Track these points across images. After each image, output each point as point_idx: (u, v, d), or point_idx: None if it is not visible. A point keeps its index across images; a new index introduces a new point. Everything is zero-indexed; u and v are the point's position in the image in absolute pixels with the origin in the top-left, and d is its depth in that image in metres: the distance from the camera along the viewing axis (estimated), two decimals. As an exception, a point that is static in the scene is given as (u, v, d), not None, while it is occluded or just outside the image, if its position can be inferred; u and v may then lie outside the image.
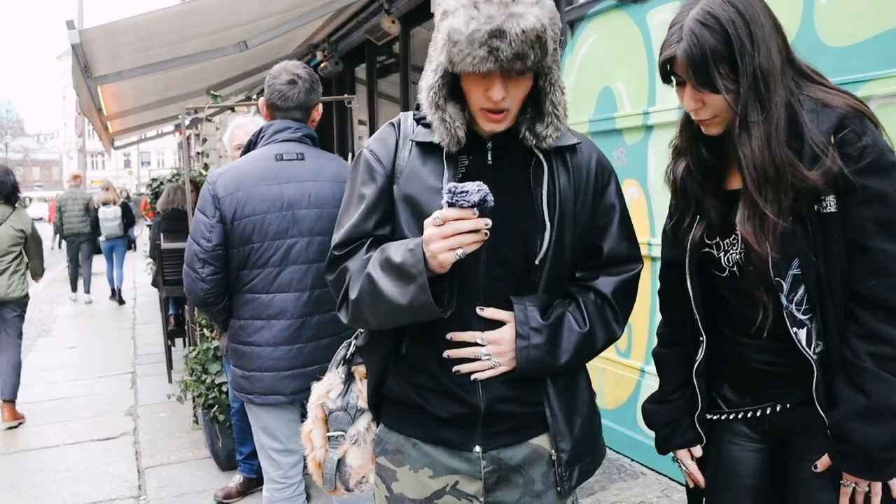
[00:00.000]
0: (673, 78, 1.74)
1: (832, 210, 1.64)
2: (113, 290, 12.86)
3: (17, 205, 6.24)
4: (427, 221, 1.59)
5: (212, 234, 2.79)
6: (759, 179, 1.65)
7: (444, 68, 1.62)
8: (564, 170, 1.78)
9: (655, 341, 2.12)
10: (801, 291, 1.68)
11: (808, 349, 1.69)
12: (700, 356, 1.90)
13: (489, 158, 1.75)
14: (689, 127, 1.85)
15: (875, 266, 1.62)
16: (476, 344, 1.71)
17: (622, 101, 4.14)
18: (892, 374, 1.60)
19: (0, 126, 78.53)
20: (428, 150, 1.75)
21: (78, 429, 5.91)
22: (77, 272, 13.12)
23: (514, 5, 1.55)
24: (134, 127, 10.98)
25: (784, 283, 1.68)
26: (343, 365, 1.97)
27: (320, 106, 3.07)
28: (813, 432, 1.73)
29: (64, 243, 14.14)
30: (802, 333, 1.69)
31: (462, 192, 1.51)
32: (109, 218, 12.71)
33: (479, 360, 1.71)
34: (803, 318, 1.69)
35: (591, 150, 1.85)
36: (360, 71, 8.17)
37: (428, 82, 1.68)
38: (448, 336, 1.72)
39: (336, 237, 1.80)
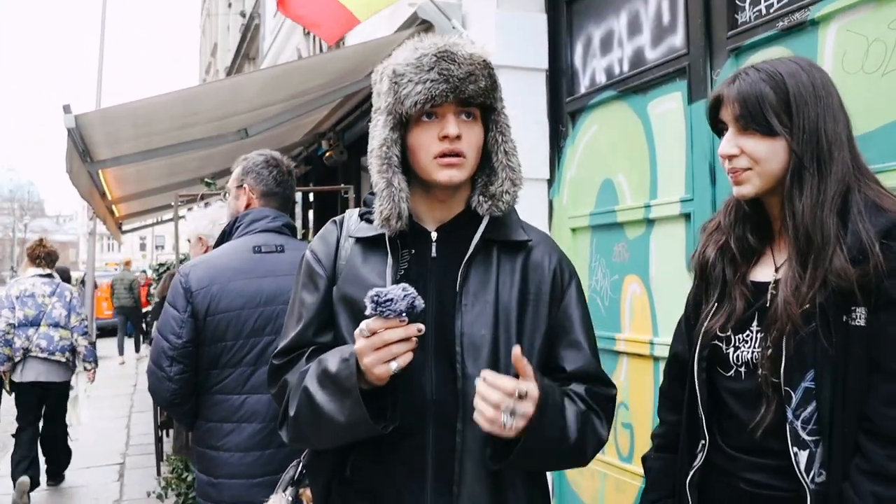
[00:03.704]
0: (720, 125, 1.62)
1: (861, 324, 1.43)
2: None
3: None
4: (356, 333, 1.43)
5: (182, 329, 2.62)
6: (803, 245, 1.47)
7: (394, 114, 1.55)
8: (510, 268, 1.63)
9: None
10: (810, 408, 1.47)
11: (805, 475, 1.46)
12: (698, 463, 1.66)
13: (433, 251, 1.63)
14: (737, 207, 1.68)
15: None
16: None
17: (623, 193, 4.01)
18: None
19: (21, 207, 79.95)
20: (369, 246, 1.63)
21: (57, 525, 5.68)
22: (123, 338, 16.47)
23: (454, 39, 1.54)
24: (140, 211, 11.01)
25: (793, 395, 1.47)
26: (291, 487, 1.81)
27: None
28: None
29: None
30: (803, 456, 1.47)
31: (387, 301, 1.36)
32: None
33: (500, 413, 1.41)
34: (808, 438, 1.47)
35: (550, 249, 1.71)
36: (365, 160, 8.19)
37: (378, 140, 1.59)
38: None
39: (277, 346, 1.67)
